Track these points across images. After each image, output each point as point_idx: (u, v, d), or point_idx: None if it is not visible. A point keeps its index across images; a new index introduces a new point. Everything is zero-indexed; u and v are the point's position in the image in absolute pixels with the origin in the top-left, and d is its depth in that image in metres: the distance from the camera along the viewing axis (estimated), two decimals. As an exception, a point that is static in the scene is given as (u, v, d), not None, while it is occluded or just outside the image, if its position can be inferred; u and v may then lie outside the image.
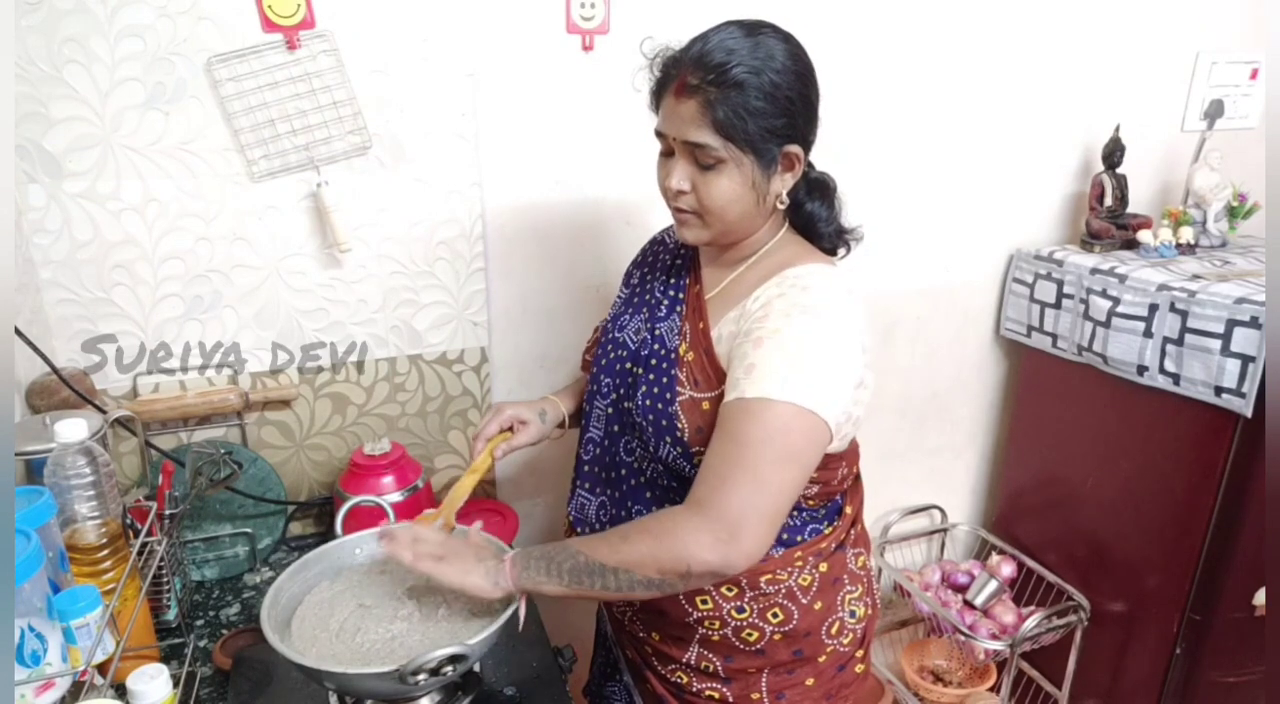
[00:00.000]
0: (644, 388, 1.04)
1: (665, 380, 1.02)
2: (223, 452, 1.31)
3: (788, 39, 0.95)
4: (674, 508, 0.91)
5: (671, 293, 1.10)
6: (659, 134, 0.99)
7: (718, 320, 1.03)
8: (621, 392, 1.09)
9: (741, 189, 0.96)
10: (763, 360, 0.91)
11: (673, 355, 1.04)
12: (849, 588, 1.10)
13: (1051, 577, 1.95)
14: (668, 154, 0.99)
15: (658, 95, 0.99)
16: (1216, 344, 1.53)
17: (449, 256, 1.48)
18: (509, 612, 0.94)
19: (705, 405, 0.99)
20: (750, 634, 1.05)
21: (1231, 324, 1.51)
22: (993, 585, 1.95)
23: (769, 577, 1.03)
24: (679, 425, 0.99)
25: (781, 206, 1.02)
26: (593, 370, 1.16)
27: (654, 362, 1.05)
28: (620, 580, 0.89)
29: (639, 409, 1.04)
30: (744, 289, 1.02)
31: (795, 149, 0.97)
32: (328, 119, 1.34)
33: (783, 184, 0.99)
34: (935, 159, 1.84)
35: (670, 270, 1.13)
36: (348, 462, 1.41)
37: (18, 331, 1.10)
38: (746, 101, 0.91)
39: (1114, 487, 1.83)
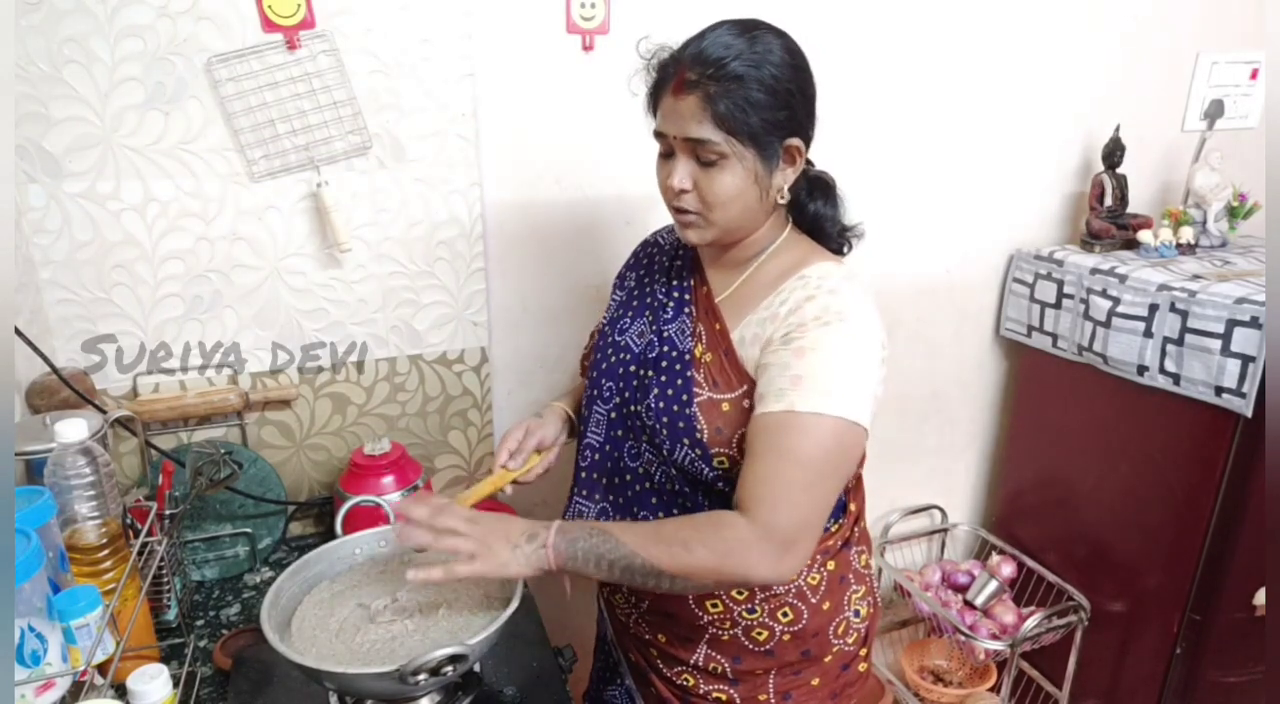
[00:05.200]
0: (656, 390, 1.03)
1: (680, 382, 1.01)
2: (223, 452, 1.31)
3: (783, 35, 0.96)
4: (733, 518, 0.91)
5: (676, 295, 1.09)
6: (658, 135, 0.99)
7: (737, 322, 1.02)
8: (627, 395, 1.08)
9: (744, 184, 0.95)
10: (810, 372, 0.91)
11: (687, 357, 1.03)
12: (854, 587, 1.10)
13: (1051, 577, 1.95)
14: (667, 155, 0.99)
15: (655, 96, 0.99)
16: (1216, 344, 1.53)
17: (449, 256, 1.48)
18: (509, 611, 0.94)
19: (725, 406, 0.98)
20: (760, 633, 1.05)
21: (1231, 324, 1.51)
22: (993, 585, 1.95)
23: None
24: (698, 426, 0.98)
25: (782, 201, 1.02)
26: (592, 374, 1.15)
27: (665, 364, 1.04)
28: (675, 584, 0.91)
29: (651, 412, 1.03)
30: (759, 290, 1.02)
31: (796, 142, 0.97)
32: (328, 119, 1.34)
33: (784, 178, 0.99)
34: (935, 159, 1.84)
35: (670, 272, 1.13)
36: (348, 462, 1.41)
37: (18, 331, 1.10)
38: (748, 94, 0.91)
39: (1114, 487, 1.83)
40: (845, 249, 1.10)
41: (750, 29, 0.94)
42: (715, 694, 1.08)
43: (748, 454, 0.93)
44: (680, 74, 0.93)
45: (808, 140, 0.99)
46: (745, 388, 0.98)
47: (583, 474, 1.14)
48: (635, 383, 1.07)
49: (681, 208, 0.99)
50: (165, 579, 1.15)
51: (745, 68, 0.91)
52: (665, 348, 1.05)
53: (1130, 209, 1.93)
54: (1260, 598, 1.65)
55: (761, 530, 0.89)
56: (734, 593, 1.04)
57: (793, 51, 0.95)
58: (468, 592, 1.04)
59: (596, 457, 1.13)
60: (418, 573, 0.91)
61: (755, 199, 0.98)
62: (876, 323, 0.97)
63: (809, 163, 1.04)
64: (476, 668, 1.07)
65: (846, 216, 1.09)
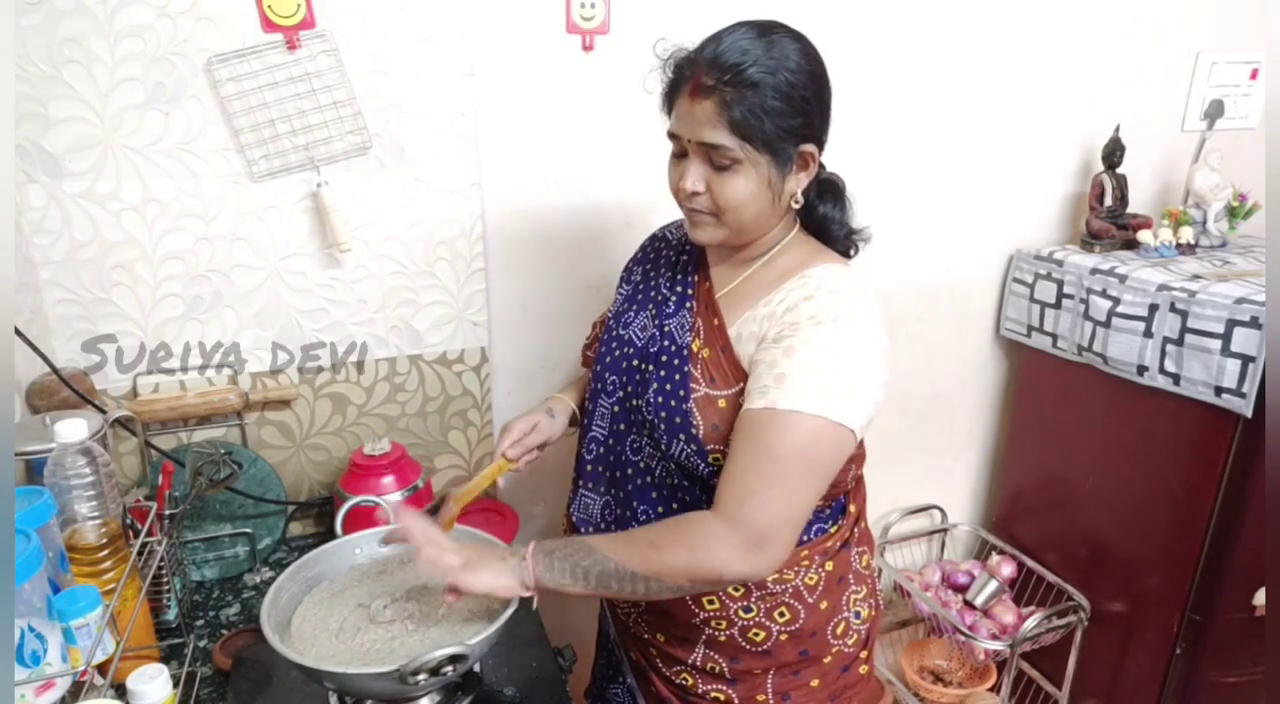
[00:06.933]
0: (655, 385, 1.03)
1: (678, 377, 1.02)
2: (223, 452, 1.31)
3: (800, 39, 0.95)
4: (702, 514, 0.91)
5: (680, 289, 1.09)
6: (672, 136, 0.98)
7: (734, 318, 1.02)
8: (629, 389, 1.08)
9: (757, 189, 0.95)
10: (794, 370, 0.91)
11: (685, 352, 1.03)
12: (854, 588, 1.10)
13: (1051, 577, 1.95)
14: (680, 155, 0.99)
15: (670, 97, 0.98)
16: (1216, 344, 1.53)
17: (449, 256, 1.48)
18: (509, 611, 0.94)
19: (721, 403, 0.98)
20: (757, 634, 1.05)
21: (1231, 324, 1.51)
22: (993, 585, 1.95)
23: (776, 576, 1.03)
24: (694, 422, 0.99)
25: (796, 206, 1.01)
26: (596, 368, 1.15)
27: (664, 358, 1.04)
28: (650, 587, 0.90)
29: (650, 406, 1.03)
30: (760, 287, 1.02)
31: (810, 148, 0.97)
32: (328, 119, 1.34)
33: (798, 183, 0.99)
34: (935, 159, 1.84)
35: (676, 267, 1.12)
36: (348, 462, 1.41)
37: (18, 332, 1.10)
38: (763, 101, 0.90)
39: (1114, 487, 1.83)
40: (852, 252, 1.09)
41: (768, 32, 0.93)
42: (714, 694, 1.09)
43: (729, 451, 0.93)
44: (696, 77, 0.93)
45: (822, 145, 0.99)
46: (741, 385, 0.98)
47: (588, 467, 1.15)
48: (637, 377, 1.07)
49: (693, 208, 0.99)
50: (165, 579, 1.15)
51: (761, 74, 0.90)
52: (665, 342, 1.05)
53: (1130, 209, 1.93)
54: (1260, 598, 1.65)
55: (730, 524, 0.89)
56: (730, 590, 1.03)
57: (810, 56, 0.95)
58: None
59: (601, 450, 1.13)
60: (419, 554, 0.93)
61: (768, 204, 0.97)
62: (877, 325, 0.96)
63: (820, 166, 1.03)
64: (476, 668, 1.07)
65: (855, 219, 1.09)
